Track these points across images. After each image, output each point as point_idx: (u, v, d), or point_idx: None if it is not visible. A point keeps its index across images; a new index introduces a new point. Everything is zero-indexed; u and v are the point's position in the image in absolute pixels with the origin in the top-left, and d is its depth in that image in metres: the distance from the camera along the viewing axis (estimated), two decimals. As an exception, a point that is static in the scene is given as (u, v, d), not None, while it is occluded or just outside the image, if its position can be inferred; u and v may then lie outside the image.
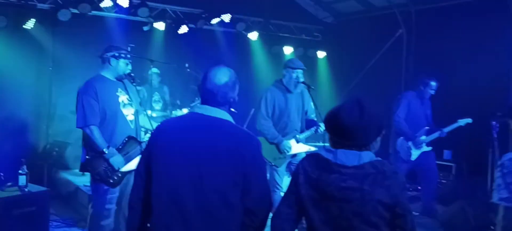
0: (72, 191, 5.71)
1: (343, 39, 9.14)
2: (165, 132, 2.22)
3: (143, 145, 3.91)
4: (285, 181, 4.98)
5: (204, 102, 2.21)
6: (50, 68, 7.23)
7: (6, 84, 6.83)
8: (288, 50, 9.27)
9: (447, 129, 5.79)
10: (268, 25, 9.11)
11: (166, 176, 2.11)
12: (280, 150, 4.86)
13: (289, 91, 4.90)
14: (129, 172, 3.85)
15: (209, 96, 2.19)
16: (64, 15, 6.79)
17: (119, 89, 3.93)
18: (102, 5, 7.14)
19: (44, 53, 7.20)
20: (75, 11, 6.94)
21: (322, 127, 4.88)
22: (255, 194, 2.11)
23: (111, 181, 3.77)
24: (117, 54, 3.87)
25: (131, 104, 3.97)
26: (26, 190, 4.37)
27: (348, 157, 2.02)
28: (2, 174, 6.20)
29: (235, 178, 2.07)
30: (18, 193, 4.34)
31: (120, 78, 3.95)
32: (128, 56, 3.94)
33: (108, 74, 3.91)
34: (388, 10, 8.32)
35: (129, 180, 3.88)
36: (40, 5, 6.93)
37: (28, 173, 4.46)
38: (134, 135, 3.95)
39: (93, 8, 7.06)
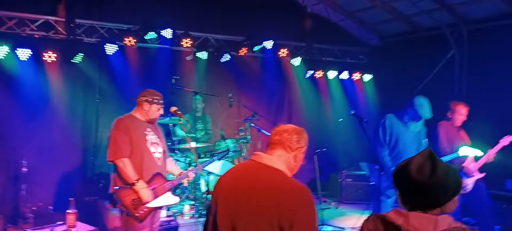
0: (118, 226, 5.68)
1: (389, 62, 8.81)
2: (222, 183, 2.29)
3: (169, 183, 4.06)
4: None
5: (268, 146, 2.28)
6: (97, 100, 7.36)
7: (55, 115, 7.02)
8: (332, 74, 9.04)
9: (493, 150, 5.26)
10: (311, 50, 8.95)
11: (216, 225, 2.19)
12: None
13: (406, 124, 5.01)
14: (155, 208, 3.98)
15: (274, 139, 2.28)
16: (110, 48, 6.94)
17: (148, 129, 4.08)
18: (146, 37, 7.25)
19: (91, 85, 7.36)
20: (121, 44, 7.08)
21: None
22: None
23: (137, 214, 3.81)
24: (150, 100, 4.02)
25: (158, 144, 4.10)
26: (74, 230, 4.37)
27: (422, 224, 1.76)
28: (51, 207, 6.38)
29: None
30: (67, 234, 4.35)
31: (151, 121, 4.12)
32: (161, 102, 4.10)
33: (139, 115, 4.08)
34: (437, 30, 7.96)
35: (155, 215, 4.08)
36: (87, 40, 7.12)
37: (77, 212, 4.46)
38: (161, 172, 4.05)
39: (138, 40, 7.17)
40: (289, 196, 2.03)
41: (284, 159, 2.21)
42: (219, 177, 2.38)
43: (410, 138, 4.99)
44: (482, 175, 5.35)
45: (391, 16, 8.40)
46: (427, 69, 8.19)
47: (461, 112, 5.44)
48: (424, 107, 4.91)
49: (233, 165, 6.91)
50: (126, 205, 3.79)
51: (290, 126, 2.34)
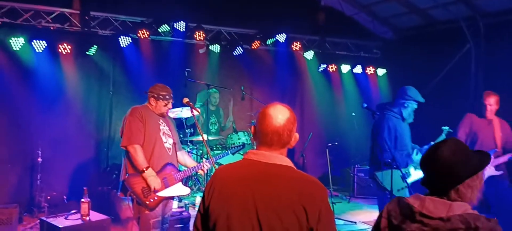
0: (131, 216, 5.74)
1: (404, 56, 8.70)
2: (221, 185, 1.99)
3: (181, 174, 4.10)
4: None
5: (260, 145, 1.99)
6: (111, 92, 7.43)
7: (70, 107, 7.12)
8: (345, 68, 8.98)
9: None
10: (324, 43, 8.90)
11: (230, 225, 1.91)
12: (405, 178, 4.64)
13: (403, 120, 4.79)
14: (166, 197, 4.02)
15: (266, 139, 1.97)
16: (124, 40, 7.00)
17: (161, 120, 4.16)
18: (160, 30, 7.29)
19: (105, 77, 7.44)
20: (134, 36, 7.13)
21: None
22: None
23: (147, 202, 3.86)
24: (156, 96, 4.08)
25: (169, 135, 4.16)
26: (88, 218, 4.45)
27: (437, 207, 1.81)
28: (65, 197, 6.48)
29: None
30: (81, 222, 4.50)
31: (161, 115, 4.17)
32: (167, 97, 4.12)
33: (150, 108, 4.16)
34: (453, 24, 7.83)
35: (167, 205, 4.14)
36: (101, 32, 7.18)
37: (90, 201, 4.53)
38: (172, 163, 4.11)
39: (151, 33, 7.22)
40: (312, 191, 1.90)
41: (284, 152, 2.02)
42: (212, 179, 2.06)
43: (407, 132, 4.88)
44: (498, 173, 5.17)
45: (406, 9, 8.29)
46: (442, 64, 8.08)
47: (488, 102, 5.22)
48: (418, 94, 4.78)
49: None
50: (136, 192, 3.84)
51: (277, 119, 1.96)
